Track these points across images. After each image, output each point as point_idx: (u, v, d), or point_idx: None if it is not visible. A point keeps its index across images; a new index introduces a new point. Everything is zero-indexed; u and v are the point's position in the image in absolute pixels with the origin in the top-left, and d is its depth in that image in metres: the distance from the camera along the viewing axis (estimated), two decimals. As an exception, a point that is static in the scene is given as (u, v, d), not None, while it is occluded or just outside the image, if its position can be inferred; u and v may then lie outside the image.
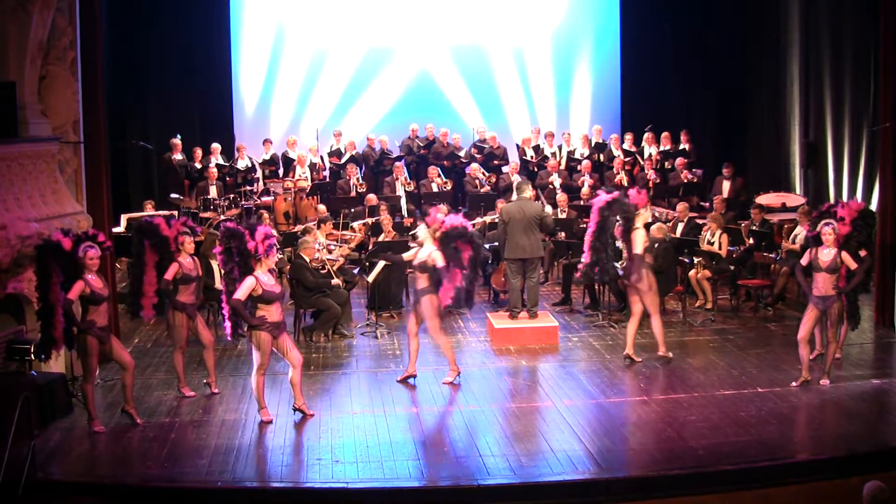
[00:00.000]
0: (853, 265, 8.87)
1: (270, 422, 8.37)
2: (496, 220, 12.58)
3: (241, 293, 8.14)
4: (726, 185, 15.36)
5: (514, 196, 12.04)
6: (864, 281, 9.45)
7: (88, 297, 8.15)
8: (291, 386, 8.50)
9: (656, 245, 10.66)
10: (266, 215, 13.52)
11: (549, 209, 11.59)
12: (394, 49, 17.91)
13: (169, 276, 8.92)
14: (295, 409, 8.52)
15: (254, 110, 17.77)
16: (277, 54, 17.70)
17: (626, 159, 16.42)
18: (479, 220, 14.24)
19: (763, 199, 14.19)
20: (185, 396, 9.13)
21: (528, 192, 11.33)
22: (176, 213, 14.49)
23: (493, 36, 18.11)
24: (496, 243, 12.19)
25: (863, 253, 9.08)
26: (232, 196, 15.28)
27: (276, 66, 17.71)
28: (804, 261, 9.09)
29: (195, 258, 9.22)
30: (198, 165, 16.07)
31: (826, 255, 8.88)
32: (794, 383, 9.05)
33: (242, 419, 8.50)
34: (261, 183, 16.41)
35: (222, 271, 8.72)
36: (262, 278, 8.23)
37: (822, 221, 9.00)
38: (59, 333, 8.10)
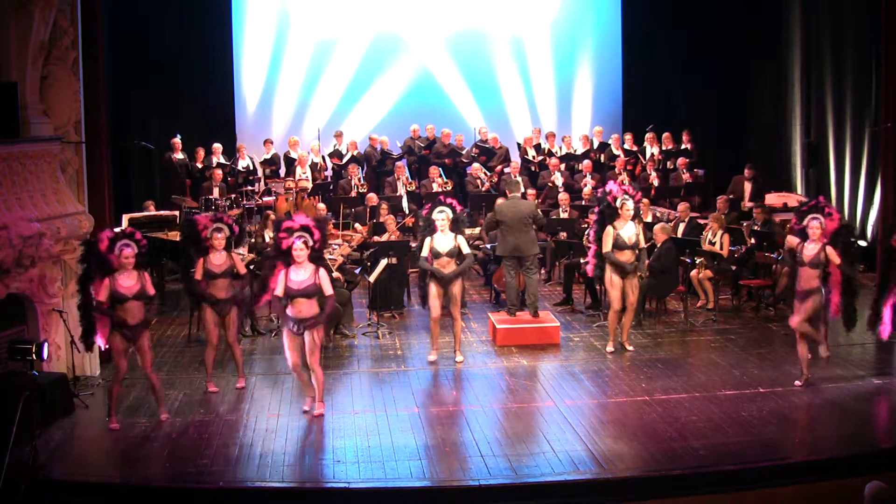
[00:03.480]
0: (837, 260, 8.80)
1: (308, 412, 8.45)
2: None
3: (278, 289, 8.25)
4: (748, 186, 15.28)
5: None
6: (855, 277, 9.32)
7: (112, 296, 8.19)
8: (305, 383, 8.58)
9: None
10: (272, 216, 13.52)
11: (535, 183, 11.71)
12: (395, 49, 17.90)
13: (198, 275, 9.02)
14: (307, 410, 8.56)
15: (255, 110, 17.78)
16: (279, 54, 17.71)
17: (628, 159, 16.43)
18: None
19: (765, 200, 14.19)
20: (209, 392, 9.17)
21: (520, 190, 11.40)
22: (178, 213, 14.54)
23: (495, 36, 18.10)
24: (497, 243, 12.19)
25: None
26: (233, 196, 15.28)
27: (277, 65, 17.72)
28: (788, 246, 9.08)
29: (230, 254, 9.21)
30: (199, 165, 16.09)
31: (810, 249, 8.84)
32: (797, 382, 9.04)
33: (244, 419, 8.51)
34: (262, 183, 16.43)
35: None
36: (291, 273, 8.27)
37: (810, 216, 8.93)
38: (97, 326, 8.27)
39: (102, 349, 8.77)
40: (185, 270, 9.51)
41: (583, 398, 8.90)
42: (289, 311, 8.26)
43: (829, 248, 8.80)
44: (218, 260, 9.11)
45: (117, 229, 8.80)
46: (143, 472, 7.44)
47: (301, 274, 8.27)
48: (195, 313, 11.23)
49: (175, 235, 12.68)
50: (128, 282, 8.25)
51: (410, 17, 17.95)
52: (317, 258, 8.36)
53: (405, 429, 8.20)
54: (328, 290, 8.31)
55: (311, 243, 8.29)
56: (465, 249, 9.94)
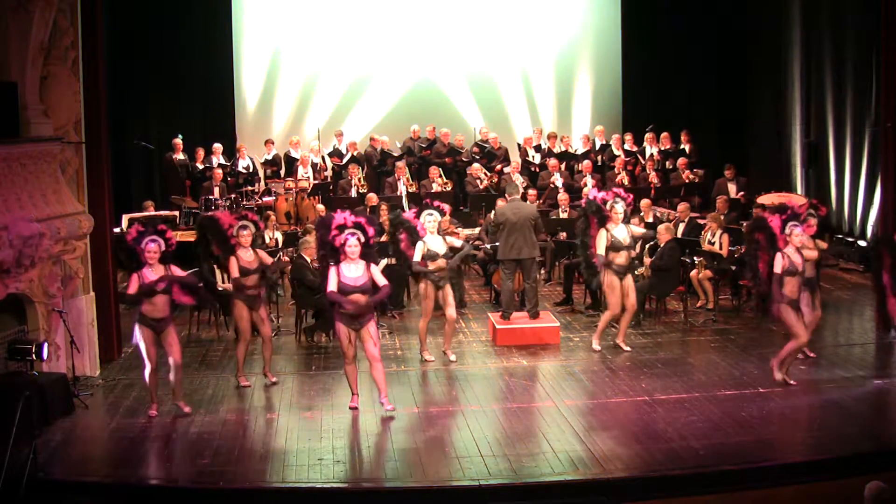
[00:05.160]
0: (815, 254, 9.11)
1: (355, 408, 8.53)
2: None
3: (330, 286, 8.31)
4: (732, 187, 15.33)
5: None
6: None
7: (141, 289, 8.35)
8: (374, 381, 8.61)
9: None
10: (273, 216, 13.54)
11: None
12: (395, 49, 17.89)
13: (234, 273, 9.06)
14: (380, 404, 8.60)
15: (255, 110, 17.78)
16: (279, 54, 17.70)
17: (628, 159, 16.43)
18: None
19: (764, 200, 14.16)
20: (242, 386, 9.28)
21: (519, 192, 11.40)
22: (177, 213, 14.55)
23: (495, 37, 18.10)
24: (497, 244, 12.19)
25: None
26: (233, 196, 15.29)
27: (277, 65, 17.72)
28: (779, 268, 8.76)
29: (256, 250, 9.28)
30: (199, 166, 16.09)
31: (797, 256, 8.81)
32: (791, 381, 9.01)
33: (244, 419, 8.51)
34: (262, 183, 16.43)
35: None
36: (343, 270, 8.29)
37: (790, 223, 8.86)
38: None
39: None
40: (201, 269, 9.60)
41: (583, 398, 8.90)
42: (342, 308, 8.31)
43: (808, 252, 8.95)
44: (248, 256, 9.18)
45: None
46: (143, 472, 7.44)
47: (354, 270, 8.31)
48: (195, 313, 11.25)
49: (183, 235, 12.68)
50: (153, 275, 8.38)
51: (411, 18, 17.94)
52: (367, 255, 8.40)
53: (405, 429, 8.20)
54: (382, 280, 8.44)
55: (363, 239, 8.33)
56: (458, 244, 10.02)
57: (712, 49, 17.86)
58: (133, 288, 8.34)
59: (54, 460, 7.60)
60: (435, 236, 9.87)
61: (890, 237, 9.48)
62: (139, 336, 8.43)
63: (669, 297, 12.10)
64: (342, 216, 8.43)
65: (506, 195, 11.45)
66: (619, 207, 10.06)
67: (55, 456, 7.69)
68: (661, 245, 11.56)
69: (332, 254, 8.36)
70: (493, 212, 12.54)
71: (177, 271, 8.55)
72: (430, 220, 9.85)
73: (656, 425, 8.11)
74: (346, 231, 8.30)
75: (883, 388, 9.09)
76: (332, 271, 8.29)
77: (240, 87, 17.66)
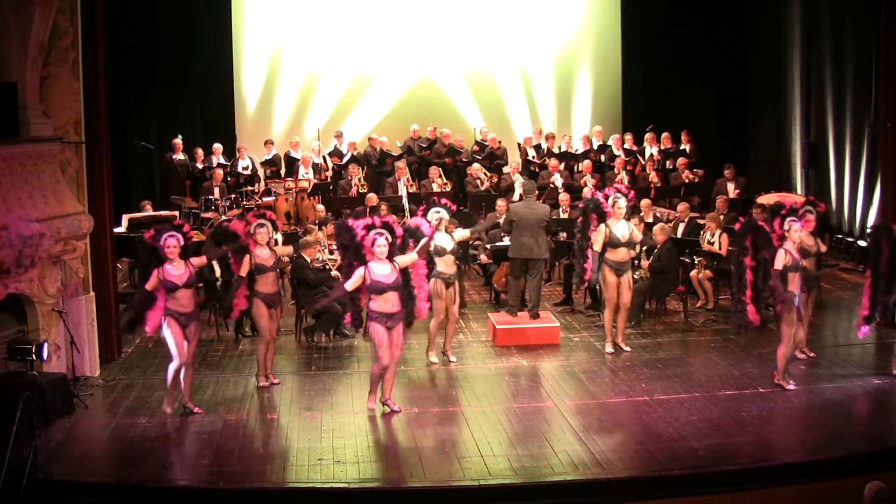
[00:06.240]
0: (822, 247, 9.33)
1: (398, 410, 8.53)
2: (498, 221, 12.59)
3: (350, 283, 8.30)
4: (731, 186, 15.35)
5: (515, 196, 11.96)
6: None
7: (162, 286, 8.35)
8: (381, 381, 8.58)
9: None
10: (273, 216, 13.51)
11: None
12: (395, 49, 17.89)
13: (243, 271, 9.04)
14: (383, 403, 8.59)
15: (255, 110, 17.77)
16: (279, 54, 17.69)
17: (628, 159, 16.43)
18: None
19: (764, 199, 14.18)
20: (271, 384, 9.31)
21: (535, 193, 11.44)
22: (177, 213, 14.54)
23: (495, 37, 18.09)
24: (497, 244, 12.20)
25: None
26: (233, 196, 15.28)
27: (277, 65, 17.70)
28: (780, 264, 8.68)
29: (273, 249, 9.31)
30: (199, 166, 16.09)
31: (796, 252, 8.82)
32: (793, 385, 9.03)
33: (244, 419, 8.51)
34: (262, 183, 16.43)
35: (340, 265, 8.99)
36: (374, 269, 8.27)
37: (788, 219, 8.82)
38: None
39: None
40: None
41: (583, 398, 8.90)
42: (375, 307, 8.30)
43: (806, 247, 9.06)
44: (265, 254, 9.19)
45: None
46: (142, 473, 7.43)
47: (384, 268, 8.31)
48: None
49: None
50: (176, 271, 8.41)
51: (411, 18, 17.93)
52: (392, 255, 8.41)
53: (405, 429, 8.20)
54: (409, 259, 8.52)
55: (391, 239, 8.35)
56: (466, 232, 10.17)
57: (712, 49, 17.85)
58: (152, 283, 8.35)
59: (54, 460, 7.60)
60: (442, 234, 9.88)
61: (889, 227, 9.45)
62: (167, 329, 8.41)
63: (669, 297, 12.10)
64: (365, 219, 8.50)
65: (524, 192, 11.46)
66: (622, 203, 10.06)
67: (55, 456, 7.70)
68: (658, 246, 11.54)
69: (356, 256, 8.35)
70: (503, 208, 12.58)
71: (194, 265, 8.62)
72: (436, 218, 9.86)
73: (656, 425, 8.11)
74: (375, 231, 8.33)
75: (883, 387, 9.09)
76: (360, 271, 8.27)
77: (240, 87, 17.64)
